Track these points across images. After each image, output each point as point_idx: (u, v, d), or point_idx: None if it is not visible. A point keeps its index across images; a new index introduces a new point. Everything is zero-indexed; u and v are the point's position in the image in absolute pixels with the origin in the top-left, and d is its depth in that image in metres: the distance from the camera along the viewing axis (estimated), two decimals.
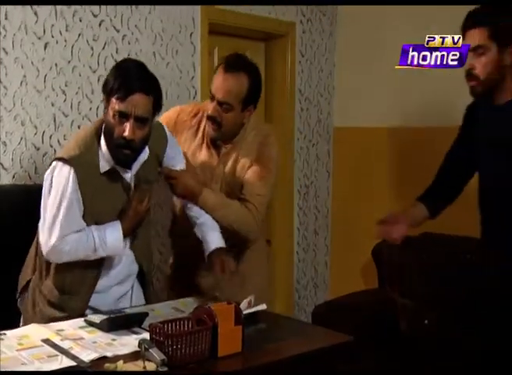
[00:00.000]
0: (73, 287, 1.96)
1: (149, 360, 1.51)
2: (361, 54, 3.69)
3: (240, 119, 2.16)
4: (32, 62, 2.60)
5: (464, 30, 2.01)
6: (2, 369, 1.50)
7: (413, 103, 3.45)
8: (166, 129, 2.09)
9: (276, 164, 2.18)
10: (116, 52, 2.84)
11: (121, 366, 1.45)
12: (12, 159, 2.56)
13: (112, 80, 1.87)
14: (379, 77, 3.56)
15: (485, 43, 1.97)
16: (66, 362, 1.56)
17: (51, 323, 1.87)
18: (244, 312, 1.76)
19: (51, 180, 1.87)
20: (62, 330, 1.79)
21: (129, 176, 1.96)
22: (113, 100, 1.84)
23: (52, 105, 2.65)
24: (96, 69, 2.78)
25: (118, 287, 2.04)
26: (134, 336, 1.75)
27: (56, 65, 2.66)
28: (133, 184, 1.98)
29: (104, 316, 1.81)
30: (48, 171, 1.89)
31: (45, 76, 2.63)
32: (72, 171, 1.84)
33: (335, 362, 1.71)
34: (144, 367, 1.48)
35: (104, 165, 1.91)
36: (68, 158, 1.86)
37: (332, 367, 1.69)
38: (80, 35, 2.72)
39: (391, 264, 2.92)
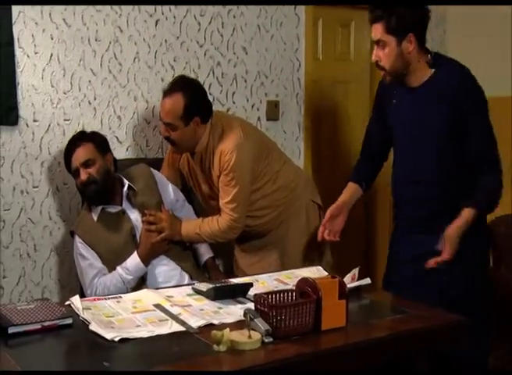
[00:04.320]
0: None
1: (254, 330, 1.53)
2: (475, 18, 3.44)
3: (189, 132, 2.31)
4: (144, 39, 2.68)
5: (370, 23, 2.10)
6: (120, 329, 1.59)
7: None
8: (153, 171, 2.44)
9: (239, 168, 2.31)
10: (222, 27, 2.86)
11: (227, 333, 1.48)
12: (126, 133, 2.68)
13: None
14: (496, 43, 3.30)
15: (383, 37, 2.05)
16: (176, 327, 1.62)
17: (162, 290, 1.96)
18: (348, 286, 1.73)
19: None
20: (171, 297, 1.86)
21: (119, 209, 2.28)
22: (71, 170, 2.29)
23: (162, 80, 2.73)
24: (203, 44, 2.82)
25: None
26: (239, 305, 1.79)
27: (166, 41, 2.73)
28: (133, 216, 2.29)
29: (211, 285, 1.86)
30: None
31: (156, 52, 2.71)
32: (76, 237, 2.28)
33: (445, 343, 1.64)
34: (250, 336, 1.50)
35: (95, 213, 2.28)
36: (72, 229, 2.33)
37: (441, 348, 1.62)
38: (187, 11, 2.77)
39: (507, 243, 2.73)
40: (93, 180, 2.24)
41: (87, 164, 2.25)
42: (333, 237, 2.28)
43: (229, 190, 2.31)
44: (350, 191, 2.34)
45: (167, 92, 2.30)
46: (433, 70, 2.09)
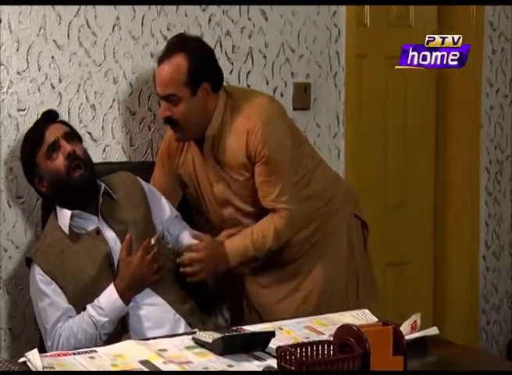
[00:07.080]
0: None
1: None
2: None
3: (198, 105, 2.37)
4: None
5: None
6: None
7: None
8: (142, 182, 2.50)
9: (278, 149, 2.40)
10: None
11: None
12: (103, 127, 2.72)
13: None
14: None
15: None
16: None
17: (151, 341, 1.98)
18: (407, 338, 1.74)
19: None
20: (164, 351, 1.87)
21: (96, 222, 2.31)
22: (43, 150, 2.30)
23: (151, 55, 2.76)
24: (206, 7, 2.84)
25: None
26: (256, 362, 1.80)
27: None
28: (110, 236, 2.31)
29: (218, 335, 1.88)
30: None
31: (143, 17, 2.75)
32: (35, 266, 2.29)
33: None
34: None
35: (66, 223, 2.29)
36: (29, 256, 2.33)
37: None
38: None
39: None
40: (78, 158, 2.29)
41: (68, 135, 2.33)
42: None
43: (273, 180, 2.39)
44: None
45: (164, 56, 2.36)
46: None
